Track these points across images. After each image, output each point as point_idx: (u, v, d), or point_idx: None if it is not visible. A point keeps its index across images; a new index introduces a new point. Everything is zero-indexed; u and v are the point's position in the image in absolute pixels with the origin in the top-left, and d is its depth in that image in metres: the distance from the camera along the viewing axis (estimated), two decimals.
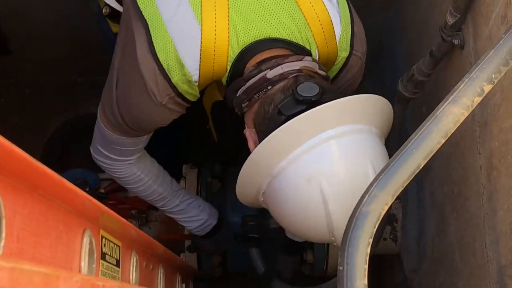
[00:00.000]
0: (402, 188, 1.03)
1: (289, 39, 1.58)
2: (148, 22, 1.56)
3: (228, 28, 1.54)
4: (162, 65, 1.53)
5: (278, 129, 1.42)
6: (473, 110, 1.08)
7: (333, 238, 1.47)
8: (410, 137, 1.06)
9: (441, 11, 1.84)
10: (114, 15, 1.93)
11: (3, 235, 0.61)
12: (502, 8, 1.34)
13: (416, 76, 1.85)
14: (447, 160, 1.78)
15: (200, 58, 1.54)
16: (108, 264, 1.03)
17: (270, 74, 1.52)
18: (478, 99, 1.07)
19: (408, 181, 1.03)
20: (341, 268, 0.98)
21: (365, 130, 1.44)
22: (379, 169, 1.43)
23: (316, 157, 1.42)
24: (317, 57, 1.62)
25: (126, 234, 1.12)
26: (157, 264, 1.48)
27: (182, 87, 1.56)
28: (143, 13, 1.57)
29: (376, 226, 0.99)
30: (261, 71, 1.53)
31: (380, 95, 2.18)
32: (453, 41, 1.62)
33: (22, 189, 0.68)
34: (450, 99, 1.06)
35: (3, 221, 0.61)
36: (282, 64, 1.52)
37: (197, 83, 1.56)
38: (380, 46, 2.83)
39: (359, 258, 0.97)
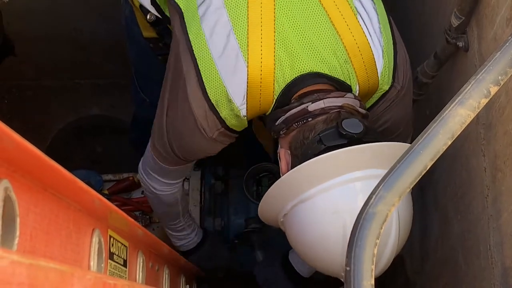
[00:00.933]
0: (409, 189, 1.03)
1: (330, 74, 1.59)
2: (197, 58, 1.57)
3: (274, 63, 1.55)
4: (211, 101, 1.55)
5: (319, 157, 1.44)
6: (478, 112, 1.09)
7: (343, 274, 1.49)
8: (417, 138, 1.06)
9: (445, 13, 1.84)
10: (157, 22, 1.95)
11: (17, 233, 0.62)
12: (507, 10, 1.34)
13: (420, 78, 1.85)
14: (451, 162, 1.78)
15: (247, 94, 1.55)
16: (115, 264, 1.03)
17: (312, 107, 1.53)
18: (484, 101, 1.07)
19: (415, 182, 1.03)
20: (348, 268, 0.98)
21: None
22: (403, 219, 1.47)
23: (347, 192, 1.45)
24: (357, 91, 1.63)
25: (133, 234, 1.12)
26: (162, 265, 1.48)
27: (231, 121, 1.58)
28: (193, 48, 1.58)
29: (383, 227, 1.00)
30: (302, 103, 1.54)
31: None
32: (458, 43, 1.62)
33: (34, 187, 0.69)
34: (456, 101, 1.06)
35: (17, 219, 0.62)
36: (324, 99, 1.53)
37: (245, 117, 1.59)
38: None
39: (366, 259, 0.98)
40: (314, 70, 1.58)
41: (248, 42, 1.56)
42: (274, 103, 1.58)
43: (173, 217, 2.12)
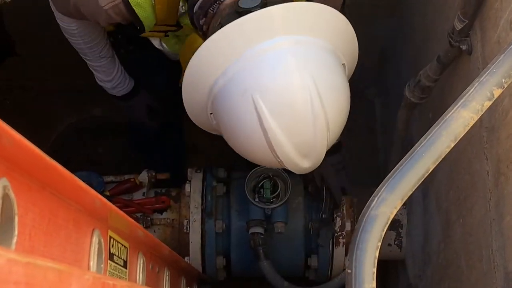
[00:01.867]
0: (411, 192, 1.03)
1: None
2: None
3: None
4: None
5: (207, 40, 1.35)
6: (482, 114, 1.08)
7: (279, 160, 1.40)
8: (420, 140, 1.06)
9: (448, 17, 1.84)
10: None
11: (16, 232, 0.61)
12: (511, 13, 1.34)
13: (423, 82, 1.84)
14: (453, 165, 1.78)
15: None
16: (115, 264, 1.03)
17: None
18: (488, 103, 1.07)
19: (417, 185, 1.03)
20: (349, 271, 0.98)
21: (309, 42, 1.36)
22: (322, 86, 1.34)
23: (250, 70, 1.35)
24: None
25: (133, 235, 1.12)
26: (163, 266, 1.48)
27: None
28: None
29: (385, 230, 0.99)
30: None
31: (385, 100, 2.18)
32: (461, 46, 1.62)
33: (33, 186, 0.68)
34: (459, 103, 1.06)
35: (16, 218, 0.61)
36: None
37: None
38: (386, 52, 2.83)
39: (367, 262, 0.97)
40: None
41: None
42: None
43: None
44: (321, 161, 1.46)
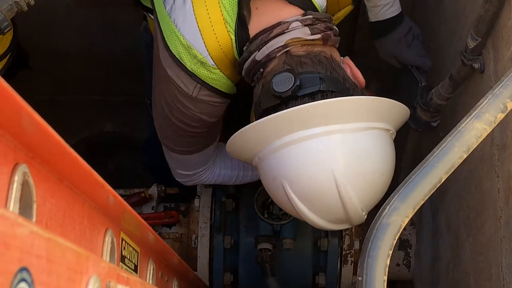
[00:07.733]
0: (423, 201, 1.03)
1: None
2: (159, 19, 1.55)
3: None
4: (174, 55, 1.52)
5: (247, 126, 1.43)
6: (492, 132, 1.09)
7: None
8: (432, 150, 1.06)
9: (461, 36, 1.85)
10: None
11: (34, 219, 0.62)
12: None
13: (435, 100, 1.85)
14: (464, 184, 1.77)
15: (201, 34, 1.49)
16: (127, 267, 1.03)
17: (258, 56, 1.48)
18: (501, 116, 1.07)
19: (430, 195, 1.03)
20: (360, 278, 0.98)
21: (335, 130, 1.39)
22: (346, 174, 1.40)
23: (278, 159, 1.43)
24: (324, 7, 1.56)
25: (144, 239, 1.12)
26: (171, 276, 1.47)
27: (200, 72, 1.53)
28: (156, 11, 1.56)
29: (397, 238, 0.99)
30: (250, 53, 1.48)
31: None
32: (473, 65, 1.62)
33: (51, 178, 0.69)
34: (473, 114, 1.07)
35: (34, 206, 0.62)
36: (267, 42, 1.47)
37: (215, 66, 1.53)
38: (397, 70, 2.83)
39: (378, 269, 0.97)
40: None
41: None
42: (234, 40, 1.51)
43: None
44: (364, 215, 1.50)
